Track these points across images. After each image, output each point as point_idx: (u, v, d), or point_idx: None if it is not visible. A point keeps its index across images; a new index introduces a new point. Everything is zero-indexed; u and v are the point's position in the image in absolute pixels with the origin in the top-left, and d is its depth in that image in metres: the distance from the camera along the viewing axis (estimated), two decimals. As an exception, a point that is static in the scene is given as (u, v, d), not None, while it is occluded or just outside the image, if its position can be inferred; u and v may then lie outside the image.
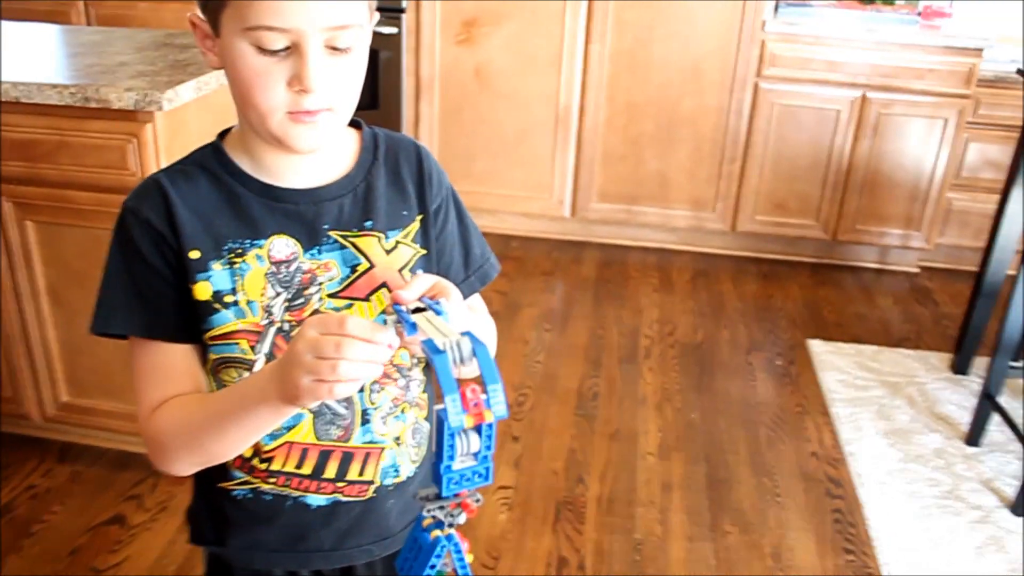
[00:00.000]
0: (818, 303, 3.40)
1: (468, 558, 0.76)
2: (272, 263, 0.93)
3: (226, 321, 0.92)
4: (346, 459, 0.98)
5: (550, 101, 3.60)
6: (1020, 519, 2.25)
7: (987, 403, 2.48)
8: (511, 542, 2.13)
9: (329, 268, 0.95)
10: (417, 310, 0.79)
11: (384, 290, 0.96)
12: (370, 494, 1.01)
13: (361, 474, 1.00)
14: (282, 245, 0.93)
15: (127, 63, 2.07)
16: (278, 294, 0.94)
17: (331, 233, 0.95)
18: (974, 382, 2.85)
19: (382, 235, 0.97)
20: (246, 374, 0.93)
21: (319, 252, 0.94)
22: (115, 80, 1.90)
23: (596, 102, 3.58)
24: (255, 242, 0.93)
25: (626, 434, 2.55)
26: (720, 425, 2.61)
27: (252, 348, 0.93)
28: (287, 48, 0.83)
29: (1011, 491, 2.34)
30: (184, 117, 1.96)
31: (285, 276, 0.94)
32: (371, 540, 1.04)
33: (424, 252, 1.01)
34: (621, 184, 3.69)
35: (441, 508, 0.75)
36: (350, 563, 1.05)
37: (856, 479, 2.37)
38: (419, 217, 1.01)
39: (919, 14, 3.56)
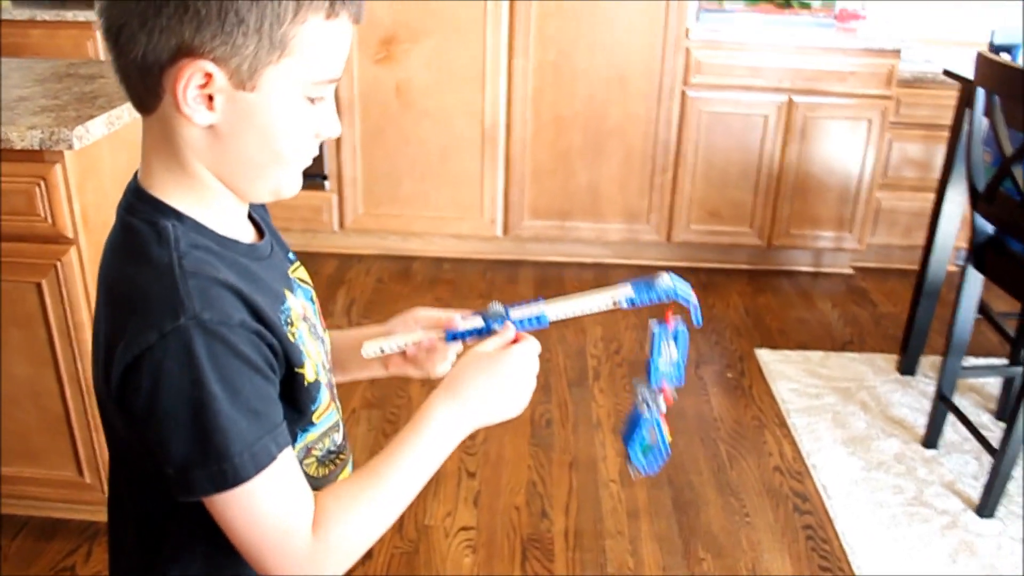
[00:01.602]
0: (759, 310, 3.38)
1: (667, 434, 0.96)
2: (303, 319, 0.88)
3: (325, 392, 0.88)
4: None
5: (475, 118, 3.49)
6: (986, 521, 2.24)
7: (942, 405, 2.47)
8: (478, 588, 2.01)
9: (307, 308, 0.91)
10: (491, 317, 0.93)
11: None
12: None
13: None
14: (294, 301, 0.88)
15: (27, 97, 1.87)
16: (319, 346, 0.90)
17: (290, 274, 0.92)
18: (922, 382, 2.85)
19: (299, 262, 0.97)
20: (337, 437, 0.92)
21: (297, 296, 0.90)
22: (15, 117, 1.70)
23: (522, 117, 3.49)
24: (284, 307, 0.84)
25: (585, 462, 2.45)
26: (679, 444, 2.53)
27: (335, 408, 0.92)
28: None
29: (974, 493, 2.33)
30: (96, 155, 1.78)
31: (311, 327, 0.90)
32: None
33: None
34: (552, 200, 3.61)
35: (650, 392, 0.94)
36: None
37: (822, 492, 2.33)
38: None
39: (835, 17, 3.59)
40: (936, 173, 3.44)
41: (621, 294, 0.91)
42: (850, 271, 3.75)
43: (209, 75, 0.73)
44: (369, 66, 3.41)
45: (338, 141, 3.49)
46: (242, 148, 0.77)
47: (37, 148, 1.65)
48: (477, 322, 0.92)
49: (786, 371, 2.90)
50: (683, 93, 3.44)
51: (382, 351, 0.94)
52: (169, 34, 0.71)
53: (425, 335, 0.94)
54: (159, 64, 0.73)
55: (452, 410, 0.86)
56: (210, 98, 0.74)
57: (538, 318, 0.91)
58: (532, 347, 0.90)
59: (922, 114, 3.51)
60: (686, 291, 0.91)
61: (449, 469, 2.39)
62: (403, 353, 0.97)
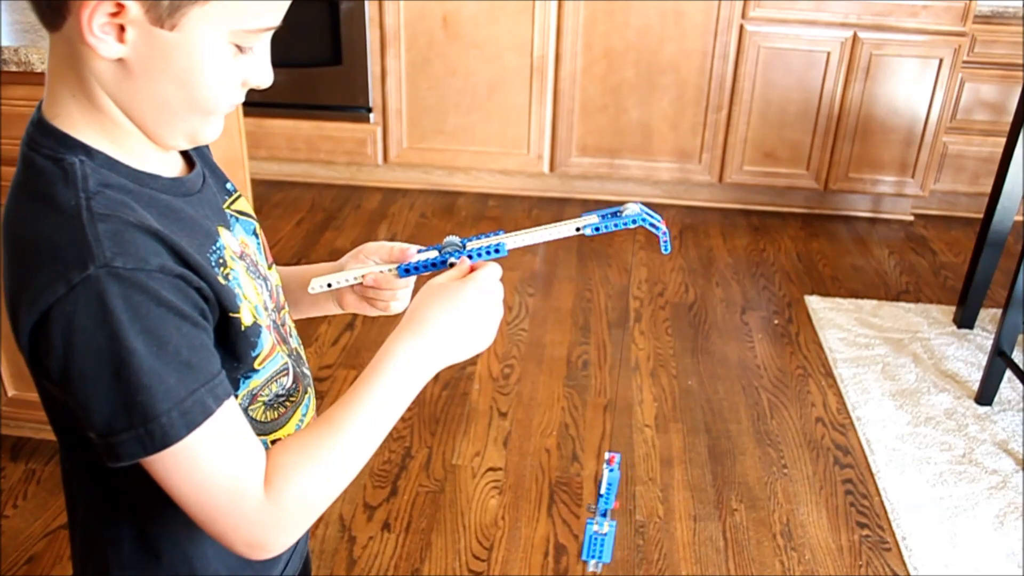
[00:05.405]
0: (812, 256, 3.26)
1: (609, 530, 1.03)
2: (240, 258, 0.79)
3: (267, 336, 0.80)
4: None
5: (524, 50, 3.38)
6: (1039, 482, 2.14)
7: (999, 360, 2.35)
8: (503, 529, 1.98)
9: (248, 244, 0.84)
10: (448, 249, 0.87)
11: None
12: None
13: None
14: (229, 237, 0.79)
15: (55, 19, 1.84)
16: (261, 285, 0.83)
17: (225, 208, 0.83)
18: (980, 336, 2.73)
19: (239, 193, 0.88)
20: (286, 381, 0.83)
21: (234, 232, 0.82)
22: (38, 40, 1.67)
23: (572, 50, 3.37)
24: (216, 245, 0.75)
25: (620, 405, 2.40)
26: (719, 391, 2.46)
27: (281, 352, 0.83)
28: None
29: (1027, 452, 2.23)
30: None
31: (251, 266, 0.82)
32: None
33: None
34: (601, 136, 3.50)
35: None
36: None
37: (866, 446, 2.24)
38: None
39: (910, -53, 3.38)
40: (1009, 117, 3.26)
41: (585, 222, 0.87)
42: (910, 218, 3.59)
43: (121, 5, 0.63)
44: (415, -6, 3.32)
45: (383, 72, 3.42)
46: (155, 90, 0.68)
47: (58, 71, 1.61)
48: (432, 254, 0.86)
49: (836, 319, 2.79)
50: (741, 27, 3.29)
51: (328, 286, 0.88)
52: None
53: (376, 268, 0.87)
54: None
55: (415, 348, 0.77)
56: (121, 28, 0.65)
57: (496, 248, 0.85)
58: (492, 271, 0.83)
59: (999, 52, 3.31)
60: (654, 219, 0.87)
61: (481, 408, 2.36)
62: (355, 289, 0.90)
